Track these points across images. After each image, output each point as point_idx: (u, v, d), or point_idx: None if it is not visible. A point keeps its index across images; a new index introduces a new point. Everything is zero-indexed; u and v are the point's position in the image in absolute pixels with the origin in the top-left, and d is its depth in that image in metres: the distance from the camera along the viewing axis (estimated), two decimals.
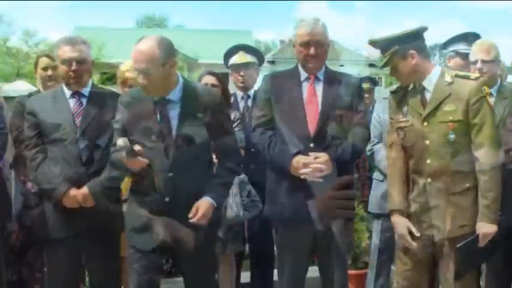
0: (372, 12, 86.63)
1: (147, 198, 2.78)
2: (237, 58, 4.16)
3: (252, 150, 3.56)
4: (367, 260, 4.12)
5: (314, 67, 3.08)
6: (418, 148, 2.80)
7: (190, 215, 2.69)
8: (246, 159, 3.76)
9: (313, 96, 3.08)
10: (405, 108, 2.87)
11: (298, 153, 2.94)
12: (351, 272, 3.91)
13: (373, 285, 3.83)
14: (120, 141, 2.61)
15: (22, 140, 3.28)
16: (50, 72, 3.69)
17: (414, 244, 2.79)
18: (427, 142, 2.77)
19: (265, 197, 3.25)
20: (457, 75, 2.81)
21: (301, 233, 3.04)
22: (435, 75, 2.82)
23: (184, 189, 2.73)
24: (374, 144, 3.72)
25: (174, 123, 2.76)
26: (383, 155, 3.64)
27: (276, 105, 3.09)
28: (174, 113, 2.78)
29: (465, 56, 3.65)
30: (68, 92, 3.17)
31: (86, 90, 3.18)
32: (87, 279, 3.45)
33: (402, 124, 2.86)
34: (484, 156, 2.68)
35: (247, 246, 4.07)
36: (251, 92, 4.16)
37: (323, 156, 2.92)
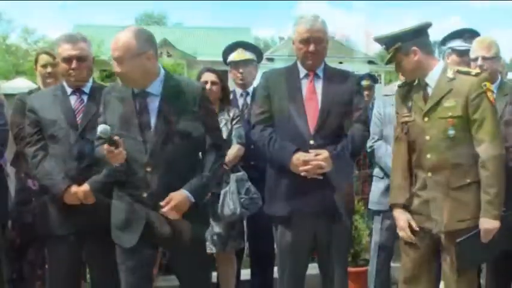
0: (370, 11, 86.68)
1: (127, 193, 2.75)
2: (236, 55, 4.16)
3: (252, 147, 3.56)
4: (367, 257, 4.13)
5: (313, 64, 3.07)
6: (419, 143, 2.82)
7: (162, 204, 2.64)
8: (245, 156, 3.77)
9: (312, 93, 3.07)
10: (410, 103, 2.89)
11: (298, 150, 2.94)
12: (351, 269, 3.91)
13: (373, 283, 3.83)
14: (101, 127, 2.59)
15: (23, 137, 3.28)
16: (49, 69, 3.68)
17: (413, 237, 2.82)
18: (427, 137, 2.78)
19: (265, 194, 3.25)
20: (458, 71, 2.81)
21: (301, 230, 3.03)
22: (437, 71, 2.83)
23: (164, 184, 2.68)
24: (374, 141, 3.72)
25: (153, 116, 2.73)
26: (383, 151, 3.65)
27: (275, 102, 3.09)
28: (153, 106, 2.74)
29: (461, 52, 3.64)
30: (69, 89, 3.16)
31: (87, 88, 3.18)
32: (88, 275, 3.45)
33: (406, 119, 2.88)
34: (485, 151, 2.68)
35: (246, 244, 4.08)
36: (250, 89, 4.16)
37: (323, 153, 2.92)
